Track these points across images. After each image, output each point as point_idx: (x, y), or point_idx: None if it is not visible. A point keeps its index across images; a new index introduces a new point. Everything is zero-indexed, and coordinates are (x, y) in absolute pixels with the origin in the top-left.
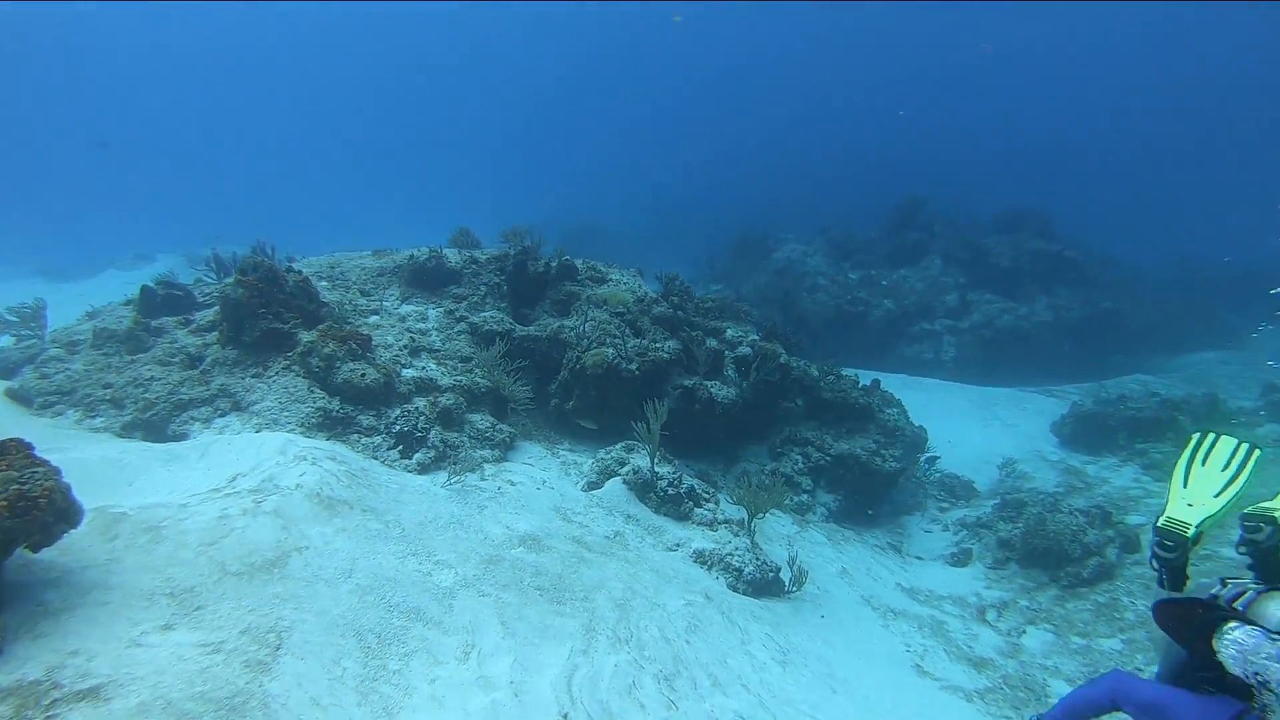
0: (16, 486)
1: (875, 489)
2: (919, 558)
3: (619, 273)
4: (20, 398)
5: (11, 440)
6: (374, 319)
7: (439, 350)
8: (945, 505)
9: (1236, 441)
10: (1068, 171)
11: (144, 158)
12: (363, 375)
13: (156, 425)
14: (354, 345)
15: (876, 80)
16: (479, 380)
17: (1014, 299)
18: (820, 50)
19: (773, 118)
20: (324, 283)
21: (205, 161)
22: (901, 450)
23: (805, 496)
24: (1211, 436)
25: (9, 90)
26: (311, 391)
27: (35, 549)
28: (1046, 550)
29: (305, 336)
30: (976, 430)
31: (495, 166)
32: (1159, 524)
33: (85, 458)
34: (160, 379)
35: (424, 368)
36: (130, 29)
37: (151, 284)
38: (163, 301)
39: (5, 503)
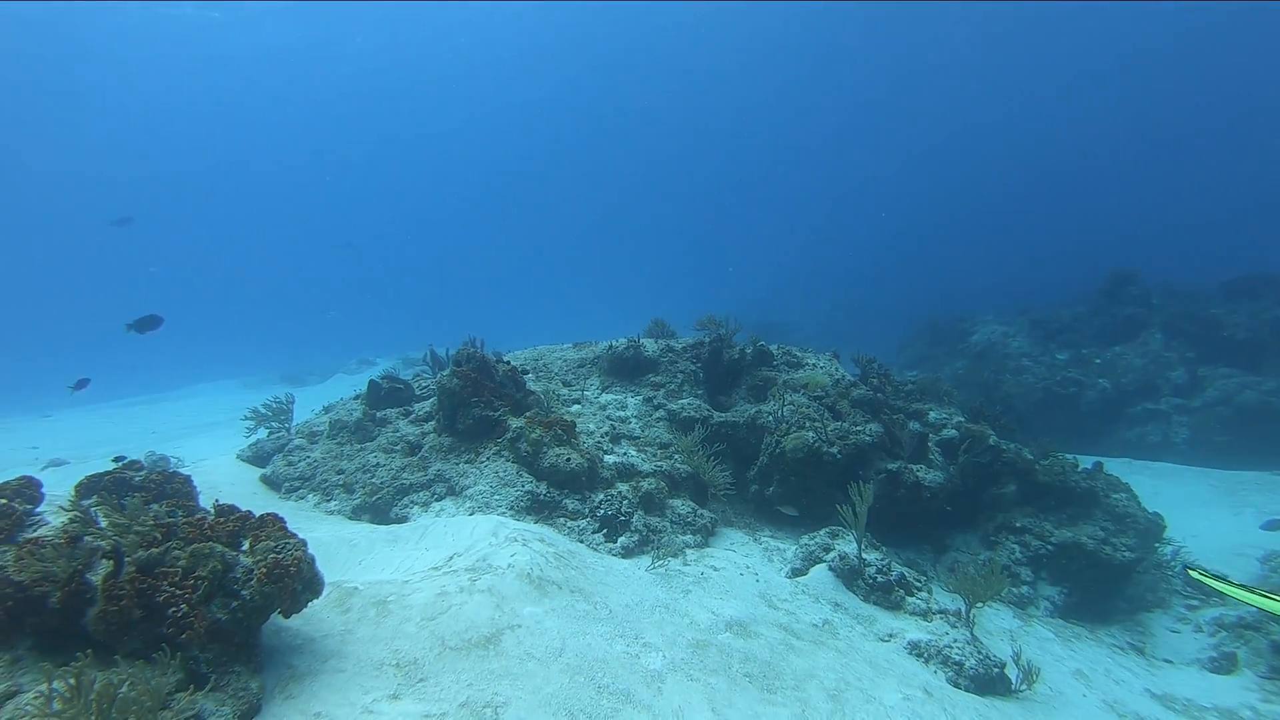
0: (274, 555)
1: (1107, 582)
2: (1168, 661)
3: (814, 357)
4: (271, 483)
5: (269, 514)
6: (576, 408)
7: (638, 437)
8: (1194, 603)
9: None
10: None
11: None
12: (568, 460)
13: (381, 508)
14: (559, 431)
15: (1066, 150)
16: (679, 466)
17: (1258, 373)
18: (1007, 127)
19: (957, 196)
20: (528, 375)
21: (420, 271)
22: (1135, 539)
23: (1026, 589)
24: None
25: (278, 216)
26: (520, 476)
27: (286, 615)
28: None
29: (514, 423)
30: (1224, 519)
31: (683, 263)
32: None
33: (323, 537)
34: (384, 465)
35: (625, 454)
36: (363, 157)
37: (377, 379)
38: (386, 394)
39: (265, 570)
